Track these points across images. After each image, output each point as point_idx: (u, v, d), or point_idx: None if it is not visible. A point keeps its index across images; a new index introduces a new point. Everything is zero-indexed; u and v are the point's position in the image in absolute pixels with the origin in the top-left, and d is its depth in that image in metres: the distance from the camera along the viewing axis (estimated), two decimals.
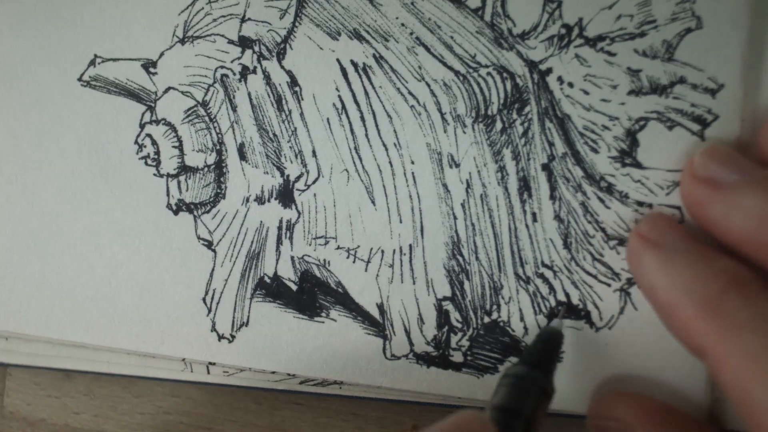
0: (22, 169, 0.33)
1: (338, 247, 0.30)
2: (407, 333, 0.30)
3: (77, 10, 0.32)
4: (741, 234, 0.23)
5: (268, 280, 0.31)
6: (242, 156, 0.31)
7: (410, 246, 0.30)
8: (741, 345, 0.21)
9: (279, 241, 0.31)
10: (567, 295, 0.28)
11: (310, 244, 0.31)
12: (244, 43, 0.31)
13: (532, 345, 0.27)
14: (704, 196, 0.25)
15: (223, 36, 0.31)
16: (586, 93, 0.28)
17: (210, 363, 0.32)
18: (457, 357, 0.29)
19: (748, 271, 0.23)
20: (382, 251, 0.30)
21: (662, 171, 0.27)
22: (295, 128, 0.30)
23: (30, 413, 0.34)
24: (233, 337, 0.31)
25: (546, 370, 0.26)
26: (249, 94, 0.31)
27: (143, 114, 0.32)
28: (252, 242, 0.31)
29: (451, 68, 0.29)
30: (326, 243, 0.30)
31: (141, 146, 0.32)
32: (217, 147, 0.31)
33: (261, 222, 0.31)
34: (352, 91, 0.30)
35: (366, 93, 0.30)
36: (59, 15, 0.33)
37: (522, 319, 0.29)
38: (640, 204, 0.28)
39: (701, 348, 0.23)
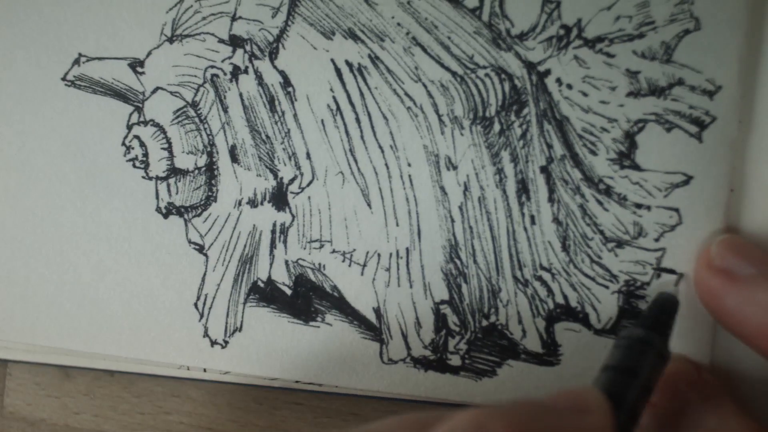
0: (5, 171, 0.32)
1: (333, 251, 0.30)
2: (404, 337, 0.29)
3: (60, 7, 0.31)
4: (754, 328, 0.24)
5: (261, 285, 0.30)
6: (234, 158, 0.30)
7: (407, 249, 0.29)
8: None
9: (273, 245, 0.30)
10: (565, 297, 0.28)
11: (304, 248, 0.30)
12: (235, 42, 0.30)
13: (649, 309, 0.26)
14: (719, 286, 0.25)
15: (213, 35, 0.30)
16: (585, 95, 0.28)
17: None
18: (455, 361, 0.29)
19: None
20: (379, 255, 0.29)
21: (660, 173, 0.27)
22: (289, 130, 0.30)
23: (30, 413, 0.34)
24: (226, 342, 0.31)
25: (663, 335, 0.25)
26: (240, 95, 0.30)
27: (130, 115, 0.31)
28: (245, 246, 0.30)
29: (448, 69, 0.28)
30: (321, 246, 0.30)
31: (128, 148, 0.31)
32: (208, 149, 0.31)
33: (254, 225, 0.30)
34: (347, 91, 0.29)
35: (361, 94, 0.29)
36: (41, 12, 0.31)
37: (520, 321, 0.29)
38: (639, 206, 0.28)
39: None
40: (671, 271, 0.27)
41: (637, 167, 0.27)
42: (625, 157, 0.28)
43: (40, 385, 0.34)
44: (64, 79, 0.32)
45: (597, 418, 0.20)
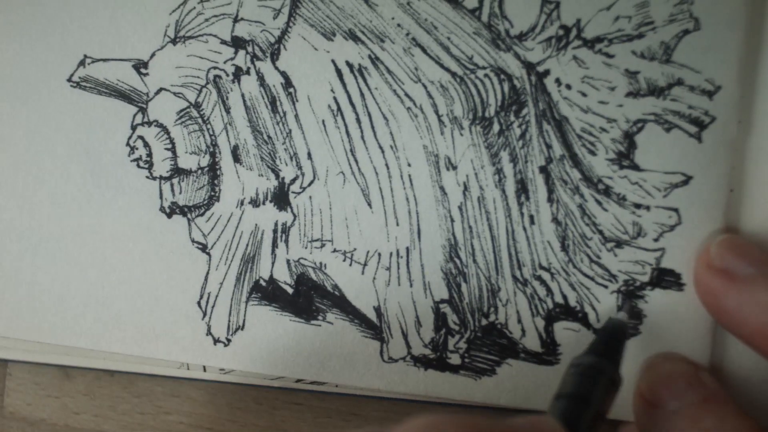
0: (13, 171, 0.32)
1: (334, 250, 0.30)
2: (404, 336, 0.30)
3: (66, 9, 0.32)
4: (754, 328, 0.24)
5: (263, 284, 0.31)
6: (236, 158, 0.31)
7: (407, 249, 0.29)
8: None
9: (274, 244, 0.31)
10: (564, 297, 0.28)
11: (306, 247, 0.30)
12: (237, 43, 0.30)
13: (599, 336, 0.27)
14: (719, 286, 0.25)
15: (215, 36, 0.31)
16: (584, 95, 0.28)
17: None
18: (454, 359, 0.29)
19: None
20: (379, 254, 0.30)
21: (660, 173, 0.27)
22: (290, 130, 0.30)
23: (30, 413, 0.34)
24: (229, 340, 0.31)
25: (613, 361, 0.25)
26: (243, 96, 0.30)
27: (135, 115, 0.32)
28: (247, 245, 0.31)
29: (447, 70, 0.29)
30: (322, 246, 0.30)
31: (133, 148, 0.32)
32: (211, 149, 0.31)
33: (256, 225, 0.31)
34: (347, 92, 0.29)
35: (362, 94, 0.29)
36: (47, 14, 0.32)
37: (519, 321, 0.29)
38: (638, 206, 0.28)
39: None
40: (670, 272, 0.28)
41: (636, 167, 0.28)
42: (624, 157, 0.28)
43: (40, 385, 0.34)
44: (69, 80, 0.32)
45: None
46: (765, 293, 0.24)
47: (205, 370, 0.32)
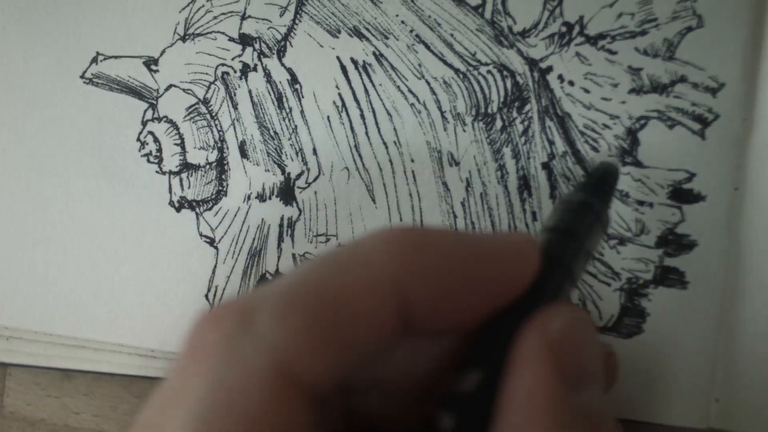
0: (26, 166, 0.33)
1: (339, 245, 0.30)
2: None
3: (79, 7, 0.32)
4: None
5: (270, 277, 0.31)
6: (243, 153, 0.31)
7: None
8: None
9: (280, 239, 0.31)
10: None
11: (311, 242, 0.31)
12: (245, 40, 0.31)
13: (590, 174, 0.26)
14: None
15: (223, 33, 0.31)
16: (587, 91, 0.28)
17: None
18: None
19: None
20: None
21: (663, 170, 0.27)
22: (296, 126, 0.31)
23: (30, 413, 0.34)
24: None
25: (602, 200, 0.24)
26: (250, 92, 0.31)
27: (145, 111, 0.32)
28: (254, 239, 0.31)
29: (451, 66, 0.29)
30: (327, 240, 0.31)
31: (143, 143, 0.32)
32: (219, 144, 0.31)
33: (262, 219, 0.31)
34: (352, 88, 0.30)
35: (366, 91, 0.30)
36: (61, 12, 0.33)
37: None
38: (641, 203, 0.28)
39: None
40: (674, 270, 0.27)
41: (639, 164, 0.28)
42: (627, 154, 0.28)
43: (40, 385, 0.34)
44: (82, 77, 0.33)
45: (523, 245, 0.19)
46: None
47: None
